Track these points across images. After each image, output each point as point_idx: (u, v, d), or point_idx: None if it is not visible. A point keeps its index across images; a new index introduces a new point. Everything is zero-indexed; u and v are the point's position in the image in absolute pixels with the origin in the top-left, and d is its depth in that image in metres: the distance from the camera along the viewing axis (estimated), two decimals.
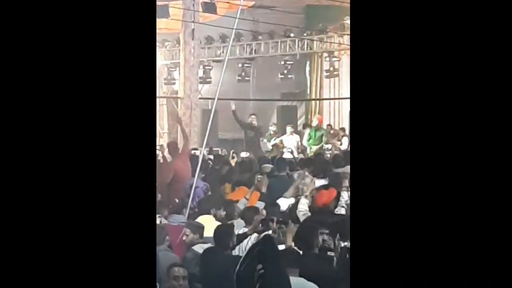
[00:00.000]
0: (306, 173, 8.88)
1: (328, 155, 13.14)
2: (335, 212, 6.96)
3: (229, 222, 6.77)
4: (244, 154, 13.64)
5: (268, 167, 9.96)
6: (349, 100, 18.63)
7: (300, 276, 4.72)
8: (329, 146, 15.26)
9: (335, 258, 5.89)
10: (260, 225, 6.41)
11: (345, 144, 16.02)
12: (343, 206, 7.05)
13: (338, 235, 6.06)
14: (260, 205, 7.40)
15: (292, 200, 7.55)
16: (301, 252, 5.57)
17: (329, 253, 5.80)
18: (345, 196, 7.14)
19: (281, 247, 5.36)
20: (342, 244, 5.97)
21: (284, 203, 7.52)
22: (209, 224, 6.64)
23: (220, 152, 14.43)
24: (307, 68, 20.66)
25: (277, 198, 7.76)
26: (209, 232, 6.23)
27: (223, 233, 6.00)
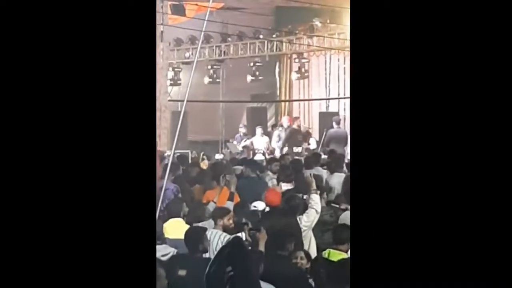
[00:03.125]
0: (272, 176, 8.96)
1: (298, 157, 13.19)
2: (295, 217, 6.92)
3: (199, 223, 6.75)
4: (218, 156, 13.71)
5: (239, 168, 9.99)
6: (318, 101, 18.77)
7: (265, 278, 4.72)
8: (299, 148, 15.35)
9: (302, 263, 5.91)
10: (231, 226, 6.43)
11: (313, 145, 16.11)
12: (313, 208, 7.02)
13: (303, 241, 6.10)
14: (230, 205, 7.41)
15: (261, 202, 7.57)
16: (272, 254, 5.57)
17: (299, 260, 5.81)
18: (315, 198, 7.10)
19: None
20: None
21: (260, 205, 7.53)
22: (178, 227, 6.63)
23: (190, 154, 14.41)
24: (277, 70, 20.70)
25: (248, 200, 7.77)
26: (179, 235, 6.21)
27: (194, 236, 5.98)
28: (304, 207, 7.00)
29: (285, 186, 7.23)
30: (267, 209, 7.18)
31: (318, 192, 7.30)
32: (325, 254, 5.81)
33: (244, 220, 6.64)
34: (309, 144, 16.05)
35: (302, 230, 6.67)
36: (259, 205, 7.39)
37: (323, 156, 11.85)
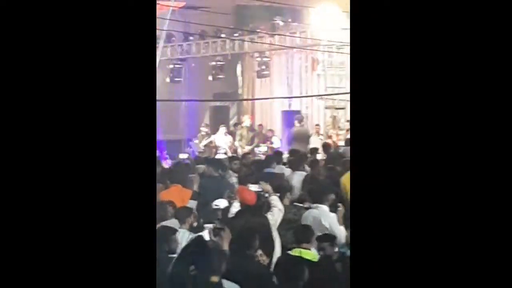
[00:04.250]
0: (234, 176, 8.96)
1: (261, 155, 13.23)
2: (265, 215, 6.96)
3: (163, 223, 6.73)
4: (182, 156, 13.68)
5: (202, 167, 9.97)
6: (280, 100, 18.79)
7: (225, 277, 4.73)
8: (262, 147, 15.40)
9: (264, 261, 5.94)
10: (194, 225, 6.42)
11: (276, 143, 16.17)
12: (276, 207, 7.08)
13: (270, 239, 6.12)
14: (192, 204, 7.40)
15: (223, 200, 7.57)
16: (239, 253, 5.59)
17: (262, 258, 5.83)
18: (274, 199, 7.16)
19: None
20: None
21: (222, 203, 7.53)
22: None
23: None
24: (239, 68, 20.71)
25: (210, 198, 7.77)
26: None
27: (163, 237, 5.95)
28: (268, 206, 7.05)
29: (253, 187, 7.23)
30: (236, 207, 7.18)
31: (278, 194, 7.37)
32: (296, 252, 5.86)
33: (213, 219, 6.63)
34: (272, 143, 16.11)
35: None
36: (221, 203, 7.39)
37: (285, 155, 11.89)
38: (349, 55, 15.88)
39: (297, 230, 6.30)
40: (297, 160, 10.47)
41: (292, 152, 11.94)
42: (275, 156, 11.18)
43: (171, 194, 7.95)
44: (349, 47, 15.58)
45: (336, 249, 6.57)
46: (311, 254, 5.81)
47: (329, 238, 6.17)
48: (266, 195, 7.17)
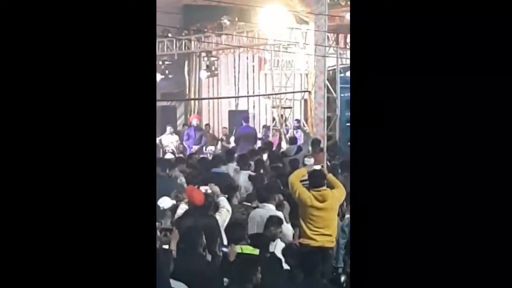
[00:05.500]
0: (181, 176, 8.93)
1: (208, 155, 13.21)
2: (214, 215, 6.97)
3: None
4: None
5: None
6: (227, 99, 18.79)
7: (174, 277, 4.72)
8: (212, 147, 15.38)
9: (211, 260, 5.94)
10: None
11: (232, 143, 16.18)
12: (224, 208, 7.10)
13: (218, 239, 6.12)
14: None
15: (167, 199, 7.54)
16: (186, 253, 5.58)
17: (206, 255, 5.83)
18: (222, 199, 7.19)
19: None
20: (225, 249, 6.01)
21: (166, 203, 7.50)
22: None
23: None
24: (186, 68, 20.63)
25: (158, 198, 7.73)
26: None
27: None
28: (216, 207, 7.08)
29: (202, 188, 7.24)
30: (183, 208, 7.16)
31: (226, 195, 7.39)
32: (239, 249, 5.88)
33: (160, 219, 6.60)
34: (229, 142, 16.11)
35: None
36: (164, 203, 7.37)
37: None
38: (295, 54, 16.07)
39: (227, 229, 6.35)
40: (243, 159, 10.49)
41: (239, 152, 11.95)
42: (228, 155, 11.17)
43: None
44: (296, 46, 15.77)
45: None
46: (250, 249, 5.87)
47: (261, 237, 6.23)
48: (215, 196, 7.19)
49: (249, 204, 7.69)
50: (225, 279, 5.46)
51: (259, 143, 14.89)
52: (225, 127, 18.09)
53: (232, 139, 16.34)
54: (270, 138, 16.03)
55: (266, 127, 16.97)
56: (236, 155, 11.13)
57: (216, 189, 7.30)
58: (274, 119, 16.68)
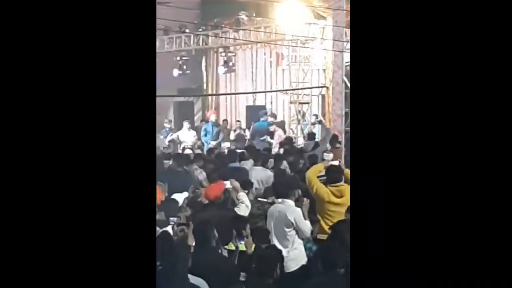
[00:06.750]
0: (201, 172, 8.97)
1: (225, 150, 13.23)
2: (234, 210, 7.00)
3: None
4: None
5: (167, 163, 9.96)
6: (245, 95, 18.81)
7: (192, 271, 4.73)
8: (227, 143, 15.40)
9: (226, 254, 5.96)
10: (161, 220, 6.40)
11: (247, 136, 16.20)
12: (244, 203, 7.12)
13: (234, 231, 6.13)
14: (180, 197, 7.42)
15: (186, 194, 7.57)
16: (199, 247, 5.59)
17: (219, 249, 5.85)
18: (242, 195, 7.22)
19: None
20: (239, 243, 6.04)
21: (179, 197, 7.54)
22: None
23: None
24: (203, 64, 20.67)
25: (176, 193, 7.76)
26: None
27: None
28: (233, 201, 7.11)
29: (222, 184, 7.28)
30: (200, 202, 7.19)
31: (246, 191, 7.43)
32: (231, 246, 5.95)
33: (177, 215, 6.62)
34: (242, 136, 16.16)
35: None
36: (179, 198, 7.39)
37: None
38: (313, 50, 16.04)
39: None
40: (260, 155, 10.50)
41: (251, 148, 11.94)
42: (249, 150, 11.16)
43: None
44: (313, 41, 15.75)
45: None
46: (242, 246, 5.98)
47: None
48: (234, 191, 7.22)
49: (265, 200, 7.69)
50: (242, 273, 5.48)
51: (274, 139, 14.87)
52: (238, 121, 18.09)
53: (247, 133, 16.36)
54: (287, 134, 16.03)
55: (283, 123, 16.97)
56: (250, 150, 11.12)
57: (237, 184, 7.33)
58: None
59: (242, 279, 5.45)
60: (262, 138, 14.86)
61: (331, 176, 7.38)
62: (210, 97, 20.62)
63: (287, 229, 6.67)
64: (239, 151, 11.42)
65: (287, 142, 13.33)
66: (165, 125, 17.03)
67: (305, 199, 7.12)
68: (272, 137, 14.92)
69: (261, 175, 9.43)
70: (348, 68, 13.95)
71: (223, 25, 17.82)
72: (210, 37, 17.89)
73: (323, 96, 16.44)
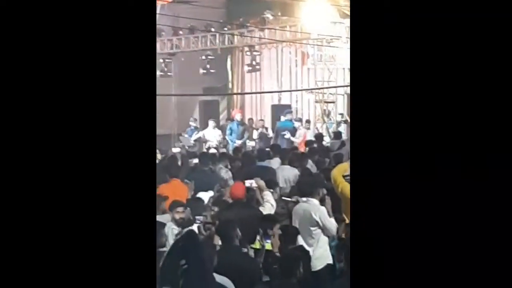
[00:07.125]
0: (227, 171, 9.00)
1: (251, 149, 13.26)
2: (259, 209, 7.01)
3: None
4: (175, 150, 13.72)
5: (192, 162, 10.01)
6: (270, 94, 18.82)
7: (217, 270, 4.74)
8: (252, 142, 15.42)
9: (252, 254, 5.96)
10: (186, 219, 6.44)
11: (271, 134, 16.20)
12: (268, 202, 7.14)
13: (260, 230, 6.14)
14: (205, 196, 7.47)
15: (211, 193, 7.60)
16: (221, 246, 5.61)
17: (244, 249, 5.86)
18: (267, 194, 7.24)
19: None
20: (265, 242, 6.05)
21: (205, 196, 7.57)
22: None
23: None
24: (228, 63, 20.71)
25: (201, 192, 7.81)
26: None
27: None
28: (257, 201, 7.13)
29: (247, 183, 7.29)
30: (225, 202, 7.22)
31: (271, 190, 7.44)
32: (257, 245, 5.96)
33: (203, 213, 6.65)
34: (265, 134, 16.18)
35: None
36: (203, 196, 7.42)
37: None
38: (338, 49, 16.01)
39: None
40: (287, 153, 10.50)
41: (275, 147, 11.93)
42: (274, 148, 11.16)
43: (169, 188, 7.95)
44: (339, 40, 15.73)
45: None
46: (268, 245, 5.96)
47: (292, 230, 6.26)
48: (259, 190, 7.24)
49: (289, 199, 7.70)
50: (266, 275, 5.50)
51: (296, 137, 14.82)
52: (262, 119, 18.07)
53: (270, 131, 16.37)
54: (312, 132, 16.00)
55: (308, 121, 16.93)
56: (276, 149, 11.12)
57: (262, 183, 7.33)
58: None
59: (266, 279, 5.47)
60: (283, 133, 14.82)
61: None
62: (235, 96, 20.65)
63: (312, 228, 6.67)
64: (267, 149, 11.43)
65: (316, 140, 13.29)
66: (191, 123, 17.10)
67: (327, 197, 7.12)
68: (293, 135, 14.88)
69: (288, 174, 9.43)
70: None
71: (248, 24, 17.84)
72: (235, 36, 17.93)
73: (348, 95, 16.41)
